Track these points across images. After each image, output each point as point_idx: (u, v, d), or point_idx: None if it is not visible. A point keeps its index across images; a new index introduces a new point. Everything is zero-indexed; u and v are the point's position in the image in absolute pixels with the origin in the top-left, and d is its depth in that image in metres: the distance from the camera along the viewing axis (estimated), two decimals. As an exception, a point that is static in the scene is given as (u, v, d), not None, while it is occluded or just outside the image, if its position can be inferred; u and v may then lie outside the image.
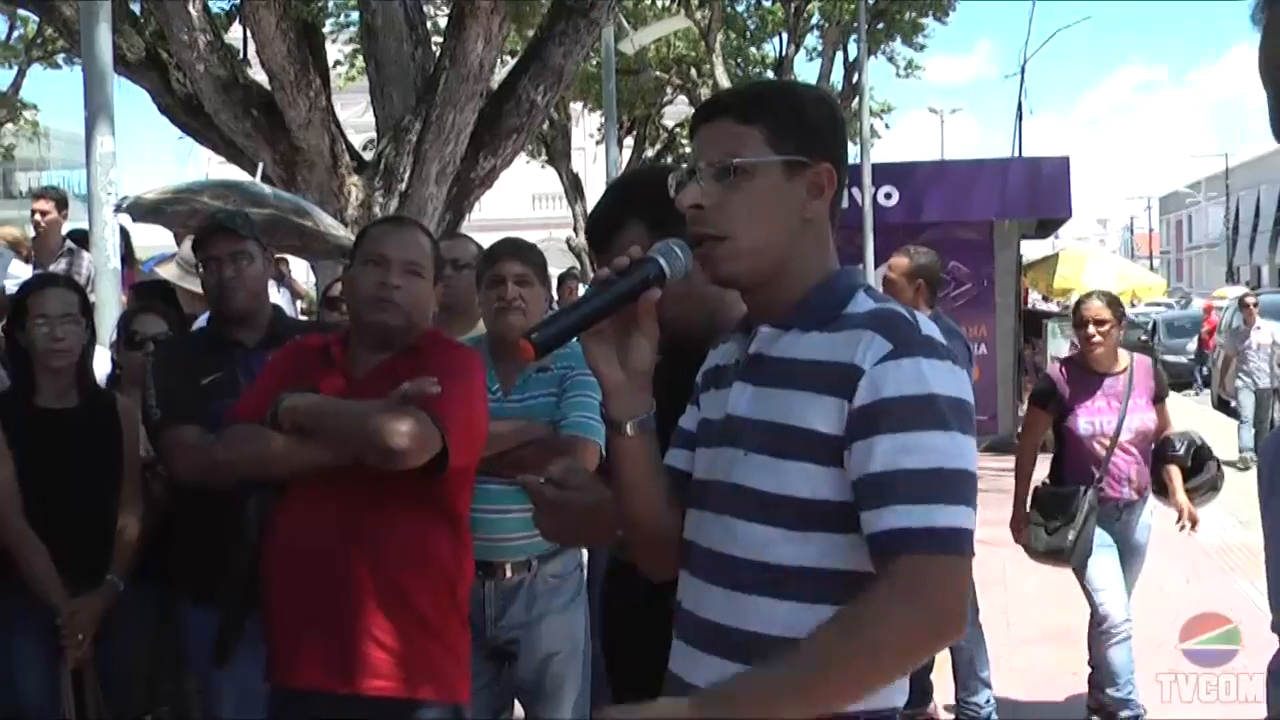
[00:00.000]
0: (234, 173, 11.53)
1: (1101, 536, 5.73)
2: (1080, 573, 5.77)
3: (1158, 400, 5.92)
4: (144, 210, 7.67)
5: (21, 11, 21.53)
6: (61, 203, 8.27)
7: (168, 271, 5.89)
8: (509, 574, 3.96)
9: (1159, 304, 35.03)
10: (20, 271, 6.51)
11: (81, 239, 7.58)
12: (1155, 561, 6.24)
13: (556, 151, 25.54)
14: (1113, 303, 5.95)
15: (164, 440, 3.75)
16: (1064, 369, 6.03)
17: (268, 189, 7.98)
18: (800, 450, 1.89)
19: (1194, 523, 5.96)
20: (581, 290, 10.64)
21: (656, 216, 2.44)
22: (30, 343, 4.03)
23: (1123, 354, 5.92)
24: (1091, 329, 5.79)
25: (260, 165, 9.11)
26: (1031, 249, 21.66)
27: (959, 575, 1.82)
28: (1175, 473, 5.92)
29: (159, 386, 3.79)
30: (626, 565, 2.58)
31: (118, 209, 6.92)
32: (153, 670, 4.39)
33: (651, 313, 2.01)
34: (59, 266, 7.68)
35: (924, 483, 1.80)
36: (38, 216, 8.07)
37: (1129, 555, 5.86)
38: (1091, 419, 5.79)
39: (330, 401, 3.15)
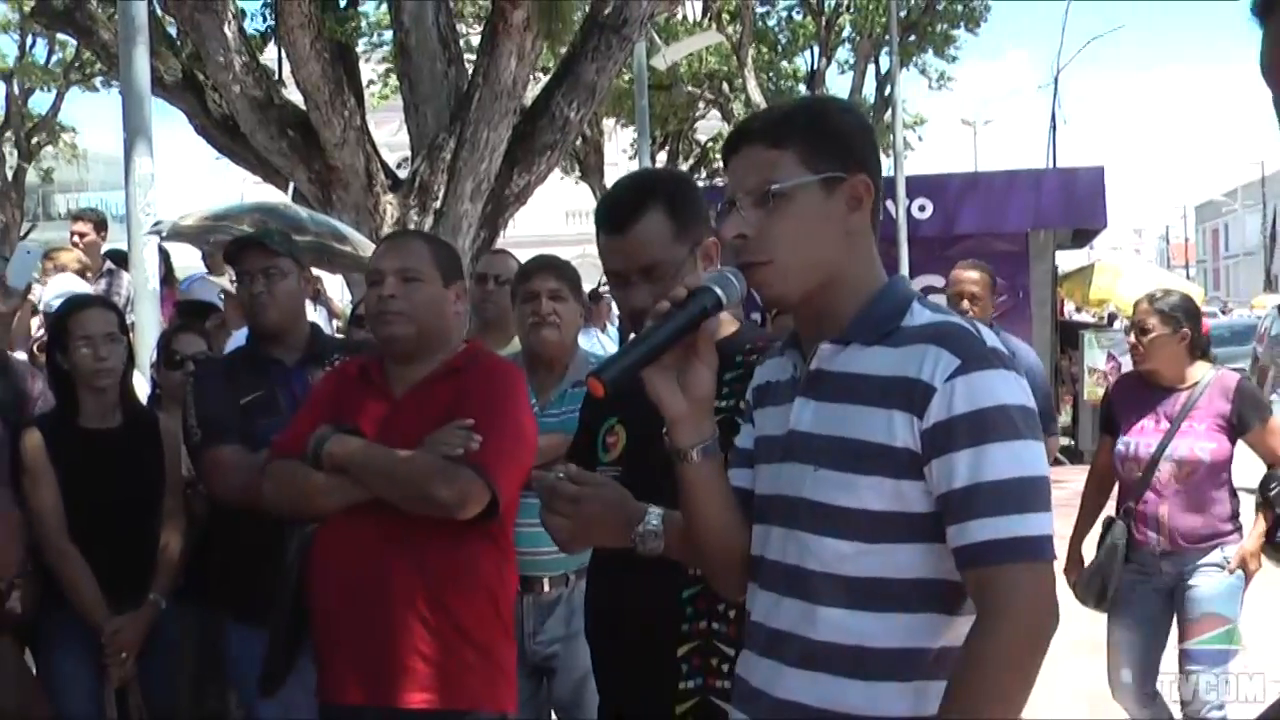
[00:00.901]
0: (269, 192, 11.61)
1: (1134, 600, 4.96)
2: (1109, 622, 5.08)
3: (1237, 428, 4.85)
4: (183, 236, 7.74)
5: (60, 35, 21.80)
6: (100, 224, 8.33)
7: (224, 281, 5.91)
8: (547, 589, 3.97)
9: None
10: (78, 287, 6.51)
11: (121, 259, 7.64)
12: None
13: (590, 167, 25.57)
14: (1167, 307, 4.98)
15: (205, 460, 3.78)
16: (1121, 382, 5.38)
17: (304, 213, 8.03)
18: (870, 464, 1.93)
19: (1246, 572, 4.85)
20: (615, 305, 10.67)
21: (676, 204, 2.57)
22: (73, 364, 4.05)
23: (1199, 368, 4.97)
24: (1133, 337, 5.03)
25: (291, 184, 9.17)
26: (1066, 260, 21.56)
27: (1047, 580, 1.87)
28: (1260, 517, 4.92)
29: (199, 406, 3.82)
30: (604, 570, 2.62)
31: (160, 236, 6.98)
32: (196, 686, 4.42)
33: (711, 342, 2.05)
34: (99, 287, 7.74)
35: (1004, 494, 1.85)
36: (76, 238, 8.12)
37: (1185, 619, 4.86)
38: (1131, 439, 4.95)
39: (376, 454, 3.13)
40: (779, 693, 2.01)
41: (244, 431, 3.76)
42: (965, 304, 5.59)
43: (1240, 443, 4.94)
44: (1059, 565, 2.09)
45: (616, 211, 2.63)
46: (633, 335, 2.30)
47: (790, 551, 2.01)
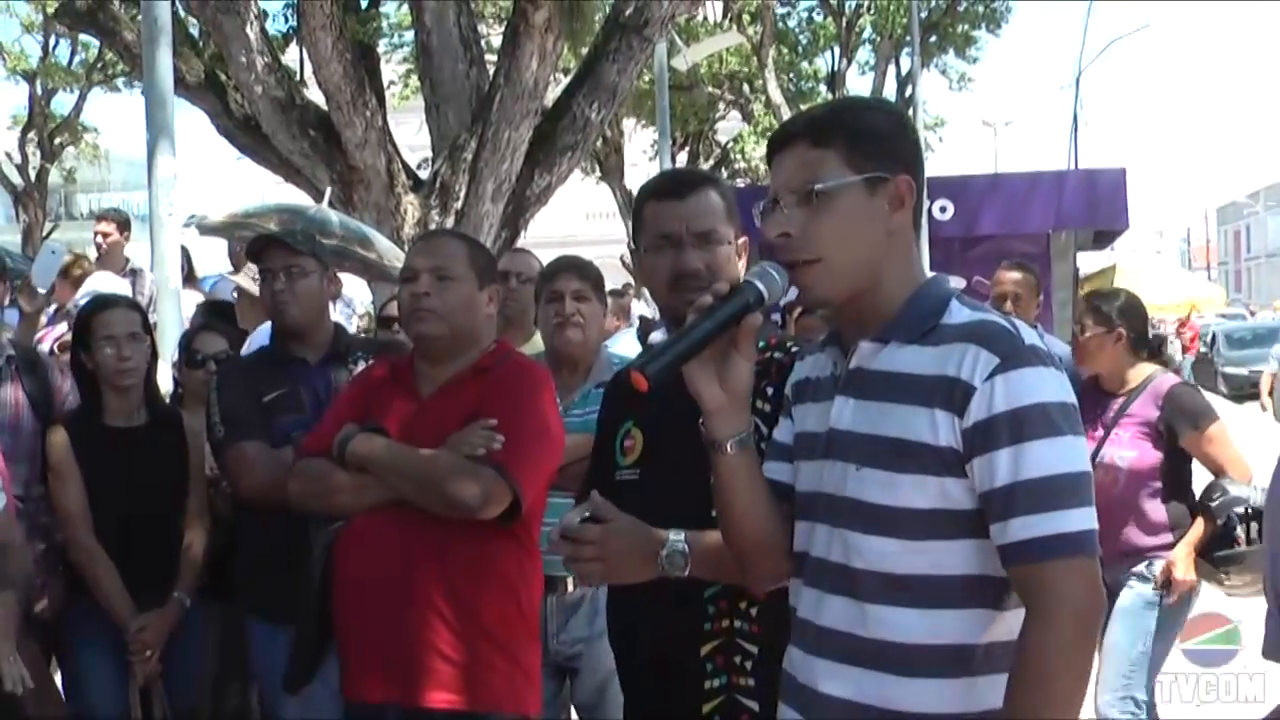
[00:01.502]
0: (291, 193, 11.63)
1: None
2: None
3: (1167, 436, 4.65)
4: (210, 229, 7.76)
5: (83, 36, 21.90)
6: (124, 225, 8.35)
7: (242, 279, 5.93)
8: (570, 589, 3.97)
9: (1226, 315, 34.65)
10: (112, 287, 6.49)
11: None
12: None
13: (610, 168, 25.59)
14: (1103, 305, 4.82)
15: (228, 456, 3.80)
16: (1082, 386, 4.77)
17: (335, 216, 8.03)
18: (912, 462, 1.94)
19: (1170, 587, 4.59)
20: (637, 306, 10.66)
21: (725, 194, 2.70)
22: (97, 363, 4.07)
23: (1139, 371, 4.78)
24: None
25: (328, 191, 9.17)
26: (1088, 261, 21.47)
27: (1091, 574, 1.89)
28: (1197, 524, 4.62)
29: (222, 404, 3.84)
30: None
31: (196, 229, 7.00)
32: (217, 684, 4.44)
33: (752, 336, 2.06)
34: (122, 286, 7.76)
35: (1044, 491, 1.87)
36: (100, 238, 8.14)
37: (1113, 633, 4.66)
38: None
39: (399, 453, 3.14)
40: (828, 689, 2.03)
41: (266, 428, 3.78)
42: (1008, 305, 5.57)
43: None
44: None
45: (678, 181, 2.78)
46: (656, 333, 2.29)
47: (835, 549, 2.03)
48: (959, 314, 2.01)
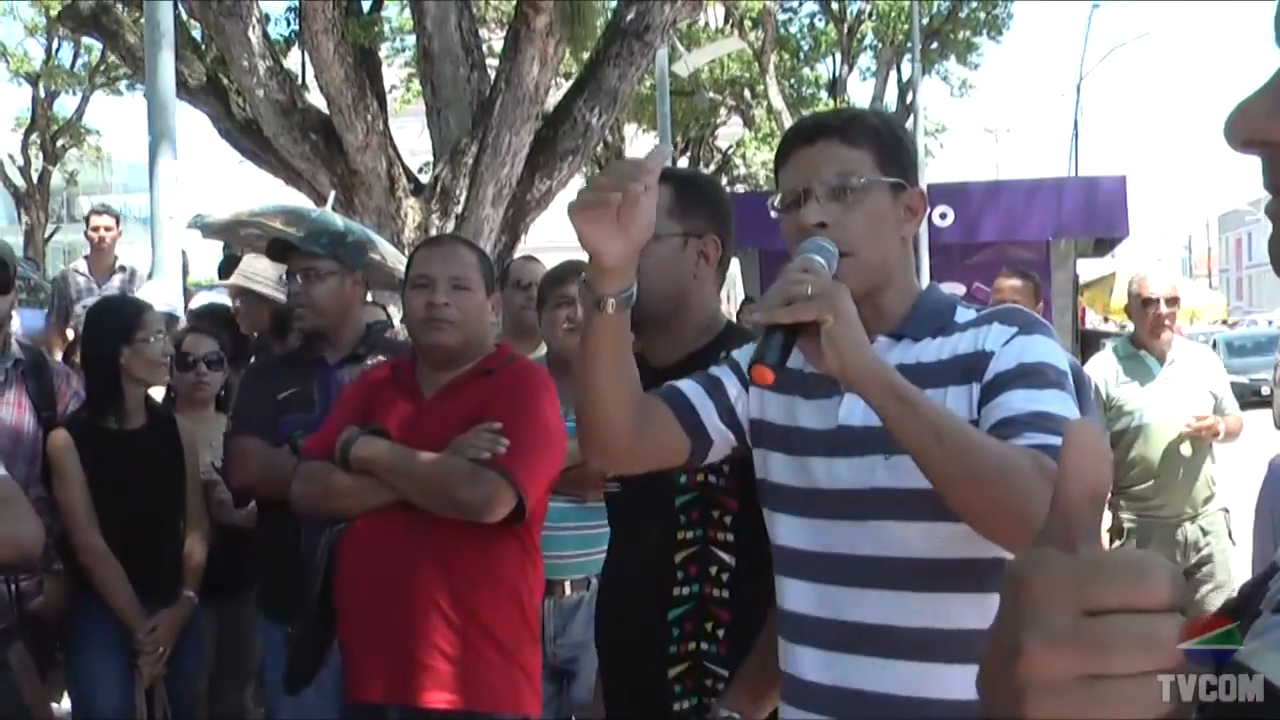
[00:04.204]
0: (293, 196, 11.64)
1: None
2: None
3: None
4: (213, 230, 7.76)
5: (86, 39, 21.92)
6: (118, 220, 8.33)
7: (238, 279, 5.93)
8: (568, 591, 3.98)
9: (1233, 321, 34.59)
10: (151, 291, 6.47)
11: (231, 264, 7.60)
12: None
13: (611, 173, 25.54)
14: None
15: (227, 449, 3.87)
16: None
17: (339, 220, 8.03)
18: None
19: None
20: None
21: None
22: (138, 357, 4.07)
23: None
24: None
25: (331, 194, 9.16)
26: (1088, 268, 21.49)
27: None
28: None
29: (236, 400, 3.95)
30: (601, 592, 2.65)
31: (199, 230, 7.01)
32: (215, 684, 4.45)
33: (655, 186, 1.92)
34: (113, 284, 7.75)
35: (1043, 420, 1.87)
36: (101, 232, 8.10)
37: None
38: None
39: (400, 456, 3.14)
40: (866, 685, 2.01)
41: (272, 425, 3.82)
42: None
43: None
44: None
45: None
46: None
47: (863, 543, 2.02)
48: (966, 314, 2.09)
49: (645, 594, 2.52)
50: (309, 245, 4.11)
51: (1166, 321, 5.66)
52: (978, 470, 1.76)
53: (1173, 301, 5.69)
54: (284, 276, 4.27)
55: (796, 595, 2.13)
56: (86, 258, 8.24)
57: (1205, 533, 5.59)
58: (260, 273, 5.54)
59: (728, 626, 2.46)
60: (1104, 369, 5.73)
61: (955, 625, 1.96)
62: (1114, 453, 5.50)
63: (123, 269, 7.93)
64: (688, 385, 2.23)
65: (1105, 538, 5.31)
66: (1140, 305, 5.70)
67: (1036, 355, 1.96)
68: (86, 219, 8.33)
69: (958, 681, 1.93)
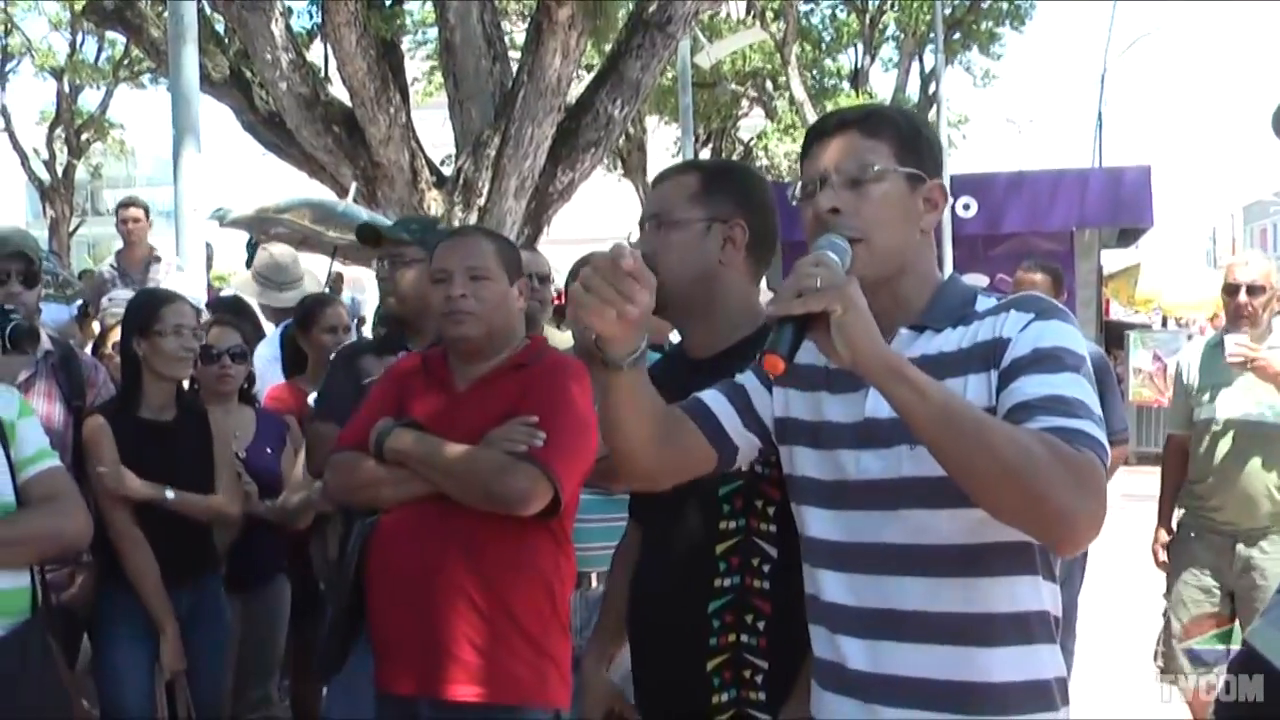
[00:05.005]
0: (316, 189, 11.68)
1: None
2: None
3: None
4: (239, 223, 7.80)
5: (110, 33, 22.03)
6: (147, 212, 8.35)
7: (242, 284, 5.97)
8: (594, 584, 3.97)
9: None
10: (180, 283, 6.48)
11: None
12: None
13: (632, 165, 25.57)
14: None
15: (308, 434, 3.92)
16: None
17: (364, 213, 8.05)
18: None
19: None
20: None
21: None
22: (155, 350, 4.07)
23: None
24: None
25: (353, 187, 9.18)
26: (1112, 259, 21.41)
27: (1099, 472, 1.86)
28: None
29: (324, 384, 4.01)
30: (635, 584, 2.67)
31: (219, 222, 7.05)
32: (239, 677, 4.46)
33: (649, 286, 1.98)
34: (149, 275, 7.77)
35: (1059, 404, 1.90)
36: (131, 224, 8.11)
37: None
38: None
39: (435, 448, 3.13)
40: (903, 670, 2.05)
41: (348, 413, 3.84)
42: None
43: None
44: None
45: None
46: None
47: (894, 532, 2.06)
48: (986, 303, 2.11)
49: (685, 585, 2.52)
50: (396, 232, 4.13)
51: (1246, 311, 5.15)
52: (991, 456, 1.81)
53: (1256, 290, 5.16)
54: (262, 289, 4.33)
55: (830, 586, 2.15)
56: (119, 252, 8.28)
57: (1265, 552, 5.07)
58: (247, 284, 5.61)
59: (768, 618, 2.47)
60: (1189, 356, 5.49)
61: (988, 609, 2.01)
62: (1190, 446, 5.29)
63: (158, 259, 7.91)
64: (710, 395, 2.29)
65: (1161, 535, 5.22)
66: (1223, 294, 5.31)
67: (1052, 340, 1.98)
68: (116, 212, 8.37)
69: (996, 664, 2.00)
